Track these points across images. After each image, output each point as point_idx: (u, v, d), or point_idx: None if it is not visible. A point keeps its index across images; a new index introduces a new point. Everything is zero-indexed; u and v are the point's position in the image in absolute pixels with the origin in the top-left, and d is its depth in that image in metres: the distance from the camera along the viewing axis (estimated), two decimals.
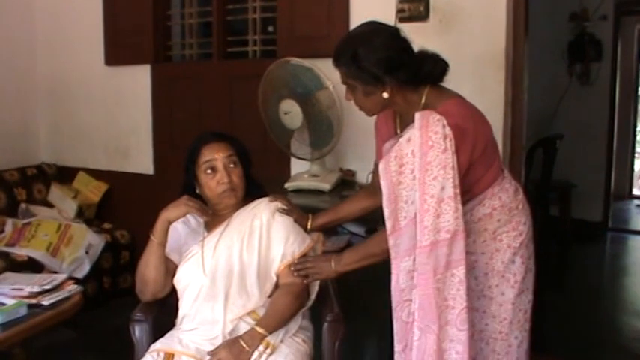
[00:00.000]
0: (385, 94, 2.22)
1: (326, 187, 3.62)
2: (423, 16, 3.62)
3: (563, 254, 6.23)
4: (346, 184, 3.78)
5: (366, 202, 2.67)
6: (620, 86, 7.33)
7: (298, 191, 3.61)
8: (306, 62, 3.51)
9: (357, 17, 3.82)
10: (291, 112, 3.51)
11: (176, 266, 2.50)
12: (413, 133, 2.13)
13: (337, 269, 2.43)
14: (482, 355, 2.38)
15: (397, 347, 2.32)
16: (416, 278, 2.16)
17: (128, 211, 4.94)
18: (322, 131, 3.56)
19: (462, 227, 2.13)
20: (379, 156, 2.50)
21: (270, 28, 4.40)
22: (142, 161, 4.91)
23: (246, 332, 2.33)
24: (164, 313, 2.55)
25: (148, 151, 4.88)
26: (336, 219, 2.73)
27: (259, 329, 2.32)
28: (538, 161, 5.75)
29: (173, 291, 2.53)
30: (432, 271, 2.13)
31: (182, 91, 4.67)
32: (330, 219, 2.72)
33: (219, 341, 2.34)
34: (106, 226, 4.89)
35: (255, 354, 2.29)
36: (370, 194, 2.64)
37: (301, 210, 2.69)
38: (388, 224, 2.21)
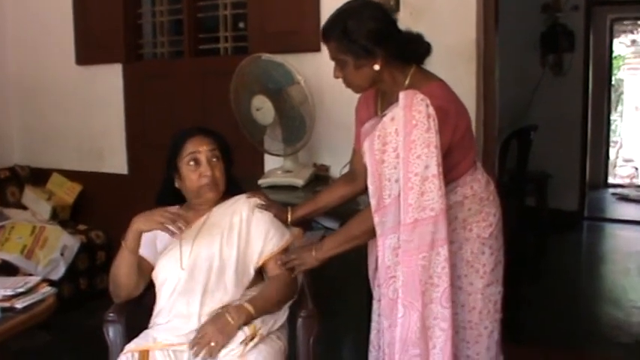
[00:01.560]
0: (376, 66, 2.25)
1: (299, 182, 3.61)
2: (393, 9, 3.60)
3: (541, 244, 6.26)
4: (320, 179, 3.78)
5: (344, 190, 2.69)
6: (593, 76, 7.40)
7: (272, 187, 3.60)
8: (278, 57, 3.51)
9: (328, 12, 3.72)
10: (263, 108, 3.51)
11: (149, 265, 2.49)
12: (396, 112, 2.17)
13: (318, 257, 2.44)
14: None
15: (385, 324, 2.35)
16: (400, 256, 2.19)
17: (103, 212, 4.91)
18: (295, 127, 3.56)
19: (445, 206, 2.17)
20: (357, 141, 2.55)
21: (241, 25, 4.38)
22: (115, 161, 4.88)
23: (232, 306, 2.34)
24: (138, 314, 2.53)
25: (121, 150, 4.85)
26: (315, 209, 2.74)
27: (247, 305, 2.33)
28: (513, 152, 5.78)
29: (147, 291, 2.52)
30: (416, 248, 2.17)
31: (154, 90, 4.65)
32: (310, 210, 2.73)
33: (193, 336, 2.32)
34: (81, 227, 4.85)
35: (241, 336, 2.28)
36: (348, 182, 2.68)
37: (280, 204, 2.70)
38: (373, 202, 2.23)
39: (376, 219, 2.24)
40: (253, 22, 4.14)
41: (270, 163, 3.96)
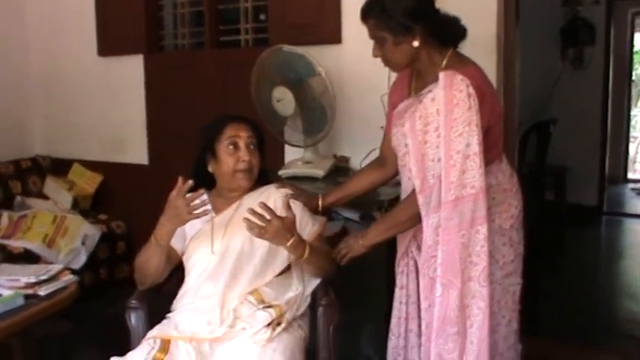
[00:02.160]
0: (415, 43, 2.29)
1: (320, 173, 3.62)
2: None
3: (559, 238, 6.23)
4: (340, 170, 3.79)
5: (374, 176, 2.73)
6: (614, 70, 7.35)
7: (292, 178, 3.61)
8: (299, 49, 3.51)
9: (349, 3, 3.83)
10: (283, 100, 3.51)
11: (177, 254, 2.53)
12: (437, 92, 2.23)
13: (365, 244, 2.48)
14: None
15: (423, 305, 2.39)
16: (441, 234, 2.23)
17: (123, 202, 4.95)
18: (315, 118, 3.56)
19: (485, 184, 2.21)
20: (388, 125, 2.60)
21: (262, 17, 4.39)
22: (136, 151, 4.91)
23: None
24: (160, 302, 2.55)
25: (142, 141, 4.87)
26: (345, 195, 2.77)
27: (306, 246, 2.38)
28: (532, 145, 5.76)
29: (169, 279, 2.55)
30: (456, 226, 2.21)
31: (175, 81, 4.66)
32: (340, 195, 2.77)
33: (216, 322, 2.35)
34: (102, 217, 4.89)
35: (268, 318, 2.34)
36: (377, 167, 2.72)
37: (308, 192, 2.75)
38: (417, 183, 2.28)
39: (421, 200, 2.27)
40: (274, 13, 4.14)
41: (291, 154, 3.97)
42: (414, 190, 2.30)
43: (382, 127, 3.61)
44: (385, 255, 3.06)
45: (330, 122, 3.54)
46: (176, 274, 2.57)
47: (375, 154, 3.63)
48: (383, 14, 2.26)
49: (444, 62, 2.33)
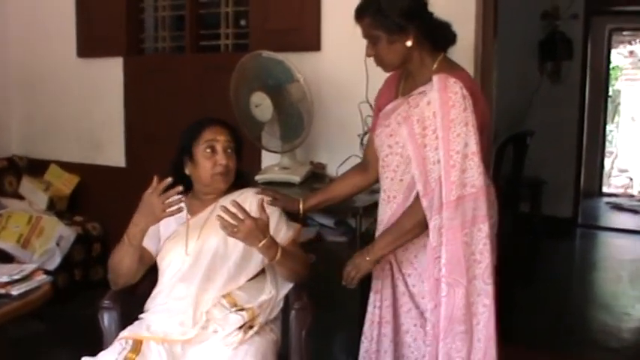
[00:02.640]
0: (408, 43, 2.32)
1: (296, 179, 3.64)
2: None
3: (534, 249, 6.26)
4: (316, 176, 3.81)
5: (357, 180, 2.75)
6: (590, 85, 7.45)
7: (269, 183, 3.62)
8: (278, 55, 3.53)
9: (329, 11, 3.89)
10: (261, 105, 3.53)
11: (150, 255, 2.53)
12: (432, 95, 2.29)
13: (371, 258, 2.46)
14: None
15: (429, 306, 2.40)
16: (444, 234, 2.27)
17: (100, 204, 4.93)
18: (293, 124, 3.58)
19: (484, 183, 2.27)
20: (374, 128, 2.61)
21: (243, 22, 4.41)
22: (114, 154, 4.90)
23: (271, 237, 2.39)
24: (134, 302, 2.55)
25: (120, 143, 4.86)
26: (328, 198, 2.79)
27: (279, 248, 2.39)
28: (509, 157, 5.76)
29: (142, 281, 2.56)
30: (459, 225, 2.27)
31: (155, 84, 4.67)
32: (323, 199, 2.79)
33: (189, 323, 2.36)
34: (78, 218, 4.86)
35: (240, 321, 2.35)
36: (361, 171, 2.75)
37: (289, 195, 2.78)
38: (419, 186, 2.32)
39: (425, 203, 2.31)
40: (254, 19, 4.17)
41: (268, 159, 3.98)
42: (417, 197, 2.34)
43: (359, 135, 3.68)
44: None
45: (308, 129, 3.56)
46: (150, 275, 2.58)
47: (352, 162, 3.68)
48: (378, 13, 2.30)
49: (435, 65, 2.38)
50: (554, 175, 6.75)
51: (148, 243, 2.50)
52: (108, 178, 4.91)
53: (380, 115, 2.54)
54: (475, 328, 2.35)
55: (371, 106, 3.63)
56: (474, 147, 2.24)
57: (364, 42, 3.57)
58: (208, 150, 2.56)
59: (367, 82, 3.64)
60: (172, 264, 2.49)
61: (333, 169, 3.81)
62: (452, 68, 2.38)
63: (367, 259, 2.45)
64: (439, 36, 2.41)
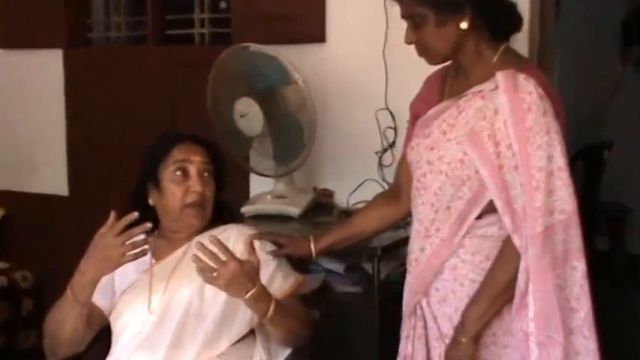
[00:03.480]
0: (463, 24, 2.33)
1: (295, 211, 3.71)
2: None
3: (614, 300, 6.20)
4: (321, 207, 3.90)
5: (386, 211, 2.79)
6: None
7: (259, 217, 3.72)
8: (270, 49, 3.59)
9: None
10: (248, 115, 3.59)
11: (101, 314, 2.58)
12: (499, 100, 2.28)
13: (469, 341, 2.37)
14: None
15: None
16: (532, 277, 2.25)
17: (33, 246, 4.97)
18: (290, 139, 3.65)
19: (576, 207, 2.24)
20: (407, 143, 2.64)
21: (223, 4, 4.53)
22: (52, 178, 4.98)
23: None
24: None
25: (60, 164, 4.96)
26: (348, 236, 2.83)
27: (273, 298, 2.42)
28: (579, 177, 5.74)
29: (90, 347, 2.62)
30: (549, 265, 2.24)
31: (106, 85, 4.77)
32: (340, 237, 2.83)
33: None
34: (2, 265, 4.88)
35: None
36: (390, 200, 2.79)
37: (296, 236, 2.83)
38: (507, 221, 2.29)
39: (517, 241, 2.27)
40: (238, 1, 4.27)
41: (258, 185, 4.08)
42: (507, 238, 2.31)
43: (378, 153, 3.80)
44: (377, 313, 3.24)
45: (309, 145, 3.62)
46: (100, 340, 2.62)
47: (369, 188, 3.80)
48: None
49: (496, 58, 2.41)
50: None
51: (99, 298, 2.54)
52: (44, 210, 4.96)
53: (417, 124, 2.54)
54: None
55: (392, 114, 3.82)
56: (560, 160, 2.22)
57: (381, 31, 3.79)
58: (178, 173, 2.62)
59: (387, 82, 3.81)
60: (130, 325, 2.51)
61: (343, 198, 3.92)
62: (518, 61, 2.41)
63: (462, 340, 2.37)
64: (502, 19, 2.41)
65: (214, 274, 2.29)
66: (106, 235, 2.32)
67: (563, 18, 4.11)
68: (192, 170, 2.64)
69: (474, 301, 2.37)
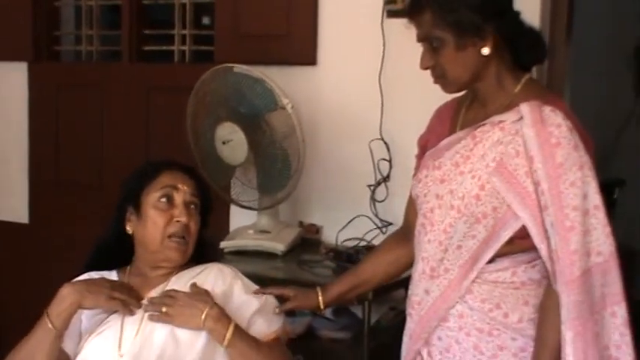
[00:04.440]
0: (485, 50, 2.33)
1: (279, 247, 3.72)
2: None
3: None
4: (308, 244, 3.91)
5: (398, 255, 2.75)
6: None
7: (240, 253, 3.74)
8: (256, 71, 3.62)
9: (329, 8, 4.02)
10: (232, 141, 3.62)
11: (67, 357, 2.53)
12: (525, 134, 2.27)
13: None
14: None
15: None
16: (569, 324, 2.22)
17: None
18: (275, 169, 3.67)
19: (615, 248, 2.24)
20: (417, 172, 2.62)
21: (206, 20, 4.59)
22: (11, 204, 5.00)
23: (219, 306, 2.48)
24: None
25: (21, 189, 4.97)
26: (357, 284, 2.81)
27: (233, 321, 2.46)
28: None
29: None
30: (588, 310, 2.22)
31: (75, 104, 4.80)
32: (350, 285, 2.81)
33: None
34: None
35: None
36: (401, 241, 2.76)
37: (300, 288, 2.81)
38: (551, 267, 2.25)
39: (562, 289, 2.24)
40: (222, 18, 4.30)
41: (239, 218, 4.11)
42: (547, 286, 2.30)
43: (371, 187, 3.84)
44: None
45: (296, 176, 3.65)
46: None
47: (361, 223, 3.86)
48: (445, 6, 2.31)
49: (518, 88, 2.42)
50: None
51: (66, 342, 2.51)
52: (3, 238, 4.96)
53: (426, 155, 2.54)
54: None
55: (387, 144, 3.85)
56: (596, 198, 2.21)
57: (378, 55, 3.86)
58: (164, 200, 2.61)
59: (382, 111, 3.85)
60: None
61: (331, 235, 3.93)
62: (543, 93, 2.40)
63: None
64: (527, 46, 2.42)
65: (164, 310, 2.41)
66: (108, 279, 2.49)
67: (575, 46, 4.14)
68: (179, 199, 2.63)
69: None
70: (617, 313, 2.25)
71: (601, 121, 6.48)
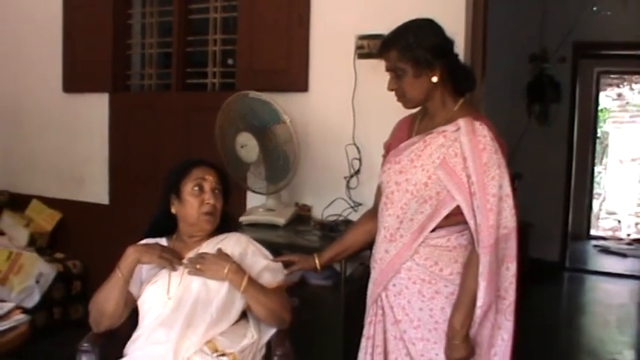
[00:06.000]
0: (434, 78, 2.35)
1: (281, 221, 3.67)
2: None
3: (520, 293, 6.23)
4: (301, 219, 3.84)
5: (371, 225, 2.66)
6: (579, 127, 7.51)
7: (253, 225, 3.66)
8: (265, 96, 3.57)
9: (317, 52, 3.93)
10: (247, 146, 3.58)
11: (133, 298, 2.52)
12: (461, 141, 2.28)
13: (459, 339, 2.32)
14: None
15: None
16: (483, 277, 2.25)
17: (81, 241, 4.92)
18: (278, 165, 3.62)
19: (516, 224, 2.29)
20: (383, 169, 2.56)
21: (230, 61, 4.46)
22: (97, 190, 4.90)
23: (236, 264, 2.49)
24: (113, 345, 2.52)
25: (103, 180, 4.87)
26: (343, 249, 2.78)
27: (246, 275, 2.47)
28: None
29: (123, 321, 2.54)
30: (495, 267, 2.27)
31: (140, 121, 4.70)
32: (338, 251, 2.78)
33: None
34: (59, 255, 4.85)
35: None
36: (372, 217, 2.68)
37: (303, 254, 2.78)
38: (480, 237, 2.25)
39: (483, 254, 2.26)
40: (242, 59, 4.20)
41: (253, 200, 4.01)
42: (472, 250, 2.30)
43: (346, 178, 3.73)
44: (343, 303, 3.16)
45: (293, 170, 3.59)
46: (131, 317, 2.55)
47: (339, 204, 3.81)
48: (408, 46, 2.33)
49: (456, 107, 2.41)
50: (541, 218, 6.72)
51: (131, 286, 2.50)
52: (90, 215, 4.90)
53: (390, 154, 2.53)
54: (493, 358, 2.40)
55: (358, 148, 3.76)
56: (507, 189, 2.27)
57: (351, 85, 3.75)
58: (196, 188, 2.57)
59: (354, 123, 3.74)
60: (153, 308, 2.47)
61: (318, 212, 3.85)
62: (474, 112, 2.41)
63: (455, 343, 2.32)
64: (462, 78, 2.44)
65: (197, 267, 2.45)
66: (160, 244, 2.56)
67: (487, 79, 4.04)
68: (207, 187, 2.60)
69: (457, 309, 2.34)
70: (510, 268, 2.33)
71: (505, 133, 6.43)
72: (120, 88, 4.84)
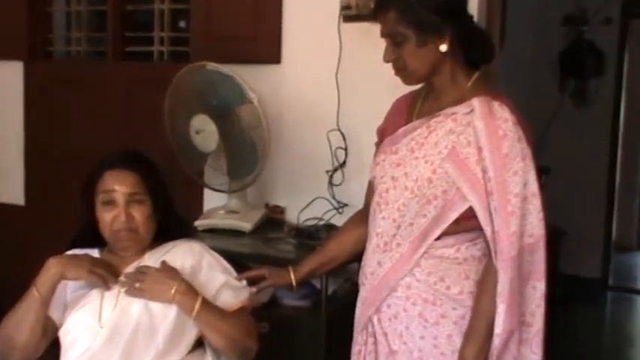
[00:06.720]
0: (443, 47, 2.32)
1: (247, 226, 3.70)
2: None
3: (550, 318, 6.22)
4: (273, 223, 3.88)
5: (359, 234, 2.66)
6: (627, 109, 7.37)
7: (212, 231, 3.70)
8: (226, 69, 3.58)
9: (292, 13, 3.98)
10: (204, 131, 3.60)
11: (55, 326, 2.49)
12: (475, 126, 2.26)
13: None
14: None
15: None
16: (502, 299, 2.25)
17: None
18: (243, 156, 3.64)
19: (544, 232, 2.28)
20: (376, 161, 2.56)
21: (182, 24, 4.52)
22: (9, 188, 4.93)
23: (187, 281, 2.48)
24: None
25: (17, 174, 4.91)
26: (324, 262, 2.78)
27: (200, 295, 2.45)
28: None
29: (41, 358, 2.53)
30: (517, 285, 2.26)
31: (66, 98, 4.73)
32: (318, 263, 2.78)
33: None
34: None
35: None
36: (361, 222, 2.68)
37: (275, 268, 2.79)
38: (497, 247, 2.25)
39: (503, 269, 2.25)
40: (197, 22, 4.25)
41: (211, 200, 4.06)
42: (487, 263, 2.32)
43: (328, 172, 3.81)
44: (324, 327, 3.23)
45: (262, 163, 3.62)
46: (50, 352, 2.53)
47: (319, 205, 3.84)
48: (410, 5, 2.29)
49: (469, 83, 2.39)
50: (577, 225, 6.70)
51: (52, 309, 2.48)
52: (0, 219, 4.89)
53: (385, 142, 2.52)
54: None
55: (343, 135, 3.82)
56: (534, 186, 2.24)
57: (335, 55, 3.80)
58: (105, 202, 2.55)
59: (339, 104, 3.80)
60: (80, 340, 2.44)
61: (293, 215, 3.90)
62: (492, 90, 2.38)
63: None
64: (478, 46, 2.43)
65: (137, 285, 2.43)
66: (90, 256, 2.50)
67: (506, 49, 4.12)
68: (119, 199, 2.55)
69: (469, 338, 2.33)
70: (538, 287, 2.31)
71: (529, 116, 6.46)
72: (38, 56, 4.88)
